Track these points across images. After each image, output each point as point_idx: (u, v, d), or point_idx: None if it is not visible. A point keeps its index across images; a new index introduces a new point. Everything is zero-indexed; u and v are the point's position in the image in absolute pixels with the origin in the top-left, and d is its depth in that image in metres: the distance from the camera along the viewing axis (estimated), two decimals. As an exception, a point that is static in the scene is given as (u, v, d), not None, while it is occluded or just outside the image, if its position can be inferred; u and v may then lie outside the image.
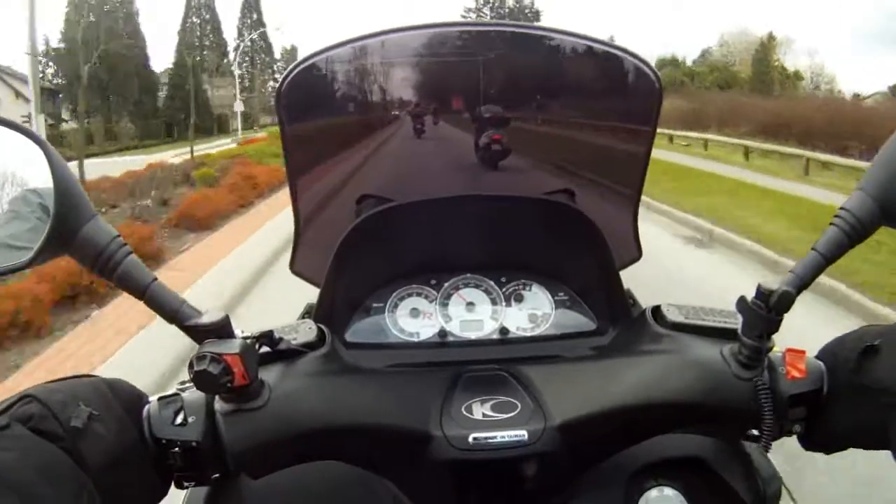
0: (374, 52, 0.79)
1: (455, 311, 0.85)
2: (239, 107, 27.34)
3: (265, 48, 51.07)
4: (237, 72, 46.84)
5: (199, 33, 46.75)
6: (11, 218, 0.50)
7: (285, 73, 0.73)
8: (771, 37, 41.76)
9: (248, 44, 48.16)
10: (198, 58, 43.50)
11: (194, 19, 46.92)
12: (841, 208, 0.55)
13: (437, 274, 0.87)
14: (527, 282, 0.87)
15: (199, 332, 0.51)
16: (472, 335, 0.83)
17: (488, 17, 42.85)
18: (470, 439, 0.56)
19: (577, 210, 0.81)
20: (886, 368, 0.52)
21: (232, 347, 0.50)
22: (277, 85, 0.75)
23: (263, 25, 49.00)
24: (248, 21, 49.13)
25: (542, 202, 0.85)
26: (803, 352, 0.57)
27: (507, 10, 43.45)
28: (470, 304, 0.85)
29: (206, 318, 0.51)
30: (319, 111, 0.83)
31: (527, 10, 44.56)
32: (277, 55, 51.30)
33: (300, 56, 0.77)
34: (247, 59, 49.82)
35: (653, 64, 0.75)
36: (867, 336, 0.55)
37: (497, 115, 0.83)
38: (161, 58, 48.22)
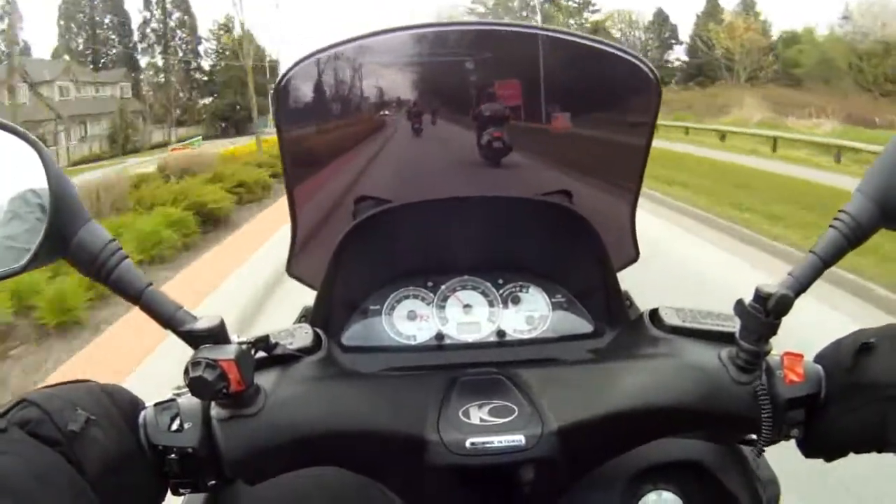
0: (371, 52, 0.79)
1: (452, 314, 0.84)
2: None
3: (184, 22, 36.69)
4: (144, 59, 34.20)
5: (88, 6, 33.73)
6: (10, 217, 0.50)
7: (281, 75, 0.73)
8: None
9: (158, 17, 34.58)
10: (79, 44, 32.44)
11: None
12: (840, 210, 0.55)
13: (434, 276, 0.86)
14: (524, 284, 0.86)
15: (194, 338, 0.51)
16: (469, 338, 0.82)
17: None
18: (467, 444, 0.56)
19: (575, 211, 0.81)
20: (882, 364, 0.53)
21: (227, 353, 0.50)
22: (274, 87, 0.75)
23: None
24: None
25: (540, 203, 0.85)
26: (801, 355, 0.57)
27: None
28: (467, 307, 0.85)
29: (201, 324, 0.51)
30: (316, 112, 0.82)
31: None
32: (205, 32, 37.60)
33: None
34: (154, 38, 36.13)
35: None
36: (862, 336, 0.56)
37: (497, 114, 0.83)
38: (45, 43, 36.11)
